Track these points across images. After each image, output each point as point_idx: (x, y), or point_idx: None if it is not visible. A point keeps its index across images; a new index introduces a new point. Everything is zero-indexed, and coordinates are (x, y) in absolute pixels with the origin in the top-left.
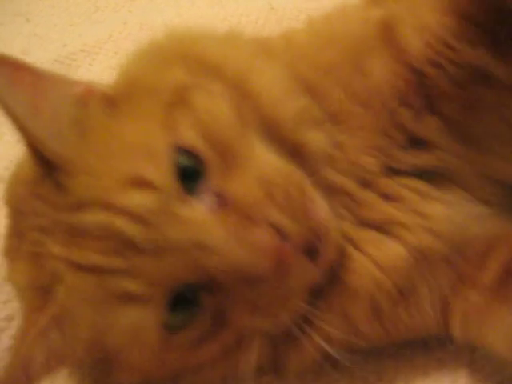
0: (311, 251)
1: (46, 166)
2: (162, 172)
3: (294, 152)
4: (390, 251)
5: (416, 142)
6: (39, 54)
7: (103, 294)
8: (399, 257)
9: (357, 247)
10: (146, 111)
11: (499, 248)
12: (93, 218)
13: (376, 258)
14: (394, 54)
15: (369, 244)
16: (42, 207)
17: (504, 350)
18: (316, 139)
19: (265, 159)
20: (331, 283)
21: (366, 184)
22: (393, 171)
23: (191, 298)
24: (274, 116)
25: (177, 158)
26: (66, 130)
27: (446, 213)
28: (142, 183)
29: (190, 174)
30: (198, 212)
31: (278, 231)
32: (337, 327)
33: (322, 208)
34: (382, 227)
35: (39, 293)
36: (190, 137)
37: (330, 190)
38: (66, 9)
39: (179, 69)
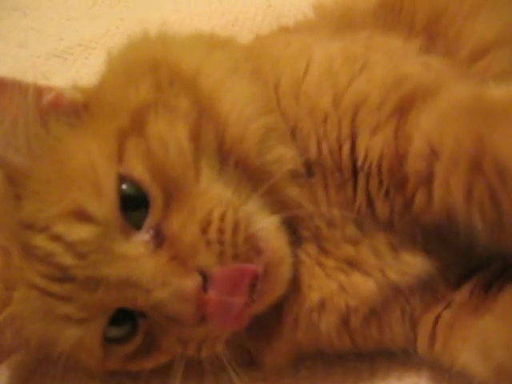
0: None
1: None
2: (105, 205)
3: (256, 175)
4: (360, 284)
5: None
6: (36, 47)
7: (47, 312)
8: (369, 290)
9: (323, 270)
10: (102, 132)
11: (475, 276)
12: (38, 242)
13: (345, 285)
14: (397, 144)
15: (337, 271)
16: (9, 210)
17: (477, 361)
18: (283, 155)
19: (212, 195)
20: (296, 298)
21: (331, 224)
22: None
23: (131, 319)
24: (240, 134)
25: (124, 187)
26: (23, 146)
27: (421, 262)
28: (83, 216)
29: (135, 204)
30: (134, 249)
31: (206, 277)
32: (304, 337)
33: (272, 245)
34: (346, 262)
35: (5, 287)
36: (138, 170)
37: (295, 214)
38: (63, 3)
39: (146, 83)
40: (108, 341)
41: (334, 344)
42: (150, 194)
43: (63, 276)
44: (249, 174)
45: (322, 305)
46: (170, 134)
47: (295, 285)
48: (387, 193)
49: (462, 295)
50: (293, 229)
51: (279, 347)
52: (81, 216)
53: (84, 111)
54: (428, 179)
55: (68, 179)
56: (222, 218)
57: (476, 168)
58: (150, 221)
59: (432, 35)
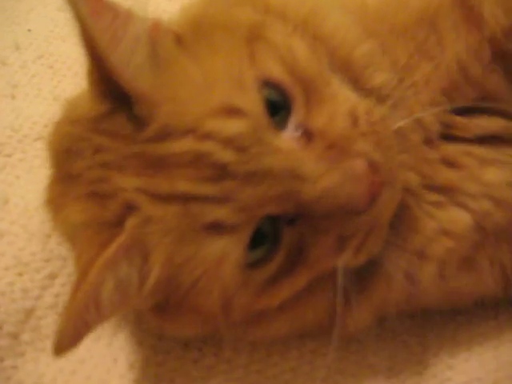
0: None
1: (116, 100)
2: (252, 101)
3: (363, 95)
4: (457, 218)
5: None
6: None
7: (187, 224)
8: (466, 224)
9: (422, 207)
10: (224, 46)
11: None
12: (182, 145)
13: (444, 223)
14: (471, 26)
15: (435, 207)
16: (107, 143)
17: None
18: (384, 80)
19: (345, 95)
20: (397, 241)
21: (428, 142)
22: (453, 138)
23: (271, 233)
24: (346, 57)
25: (264, 91)
26: (142, 64)
27: (506, 178)
28: (232, 111)
29: (275, 109)
30: (288, 143)
31: (368, 161)
32: (397, 294)
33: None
34: (445, 192)
35: (102, 229)
36: (277, 71)
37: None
38: None
39: (249, 8)
40: (245, 266)
41: (429, 294)
42: (290, 92)
43: (221, 174)
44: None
45: (422, 252)
46: (293, 43)
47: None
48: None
49: None
50: None
51: (367, 306)
52: (230, 111)
53: (187, 37)
54: None
55: (205, 82)
56: (369, 113)
57: None
58: (294, 120)
59: None
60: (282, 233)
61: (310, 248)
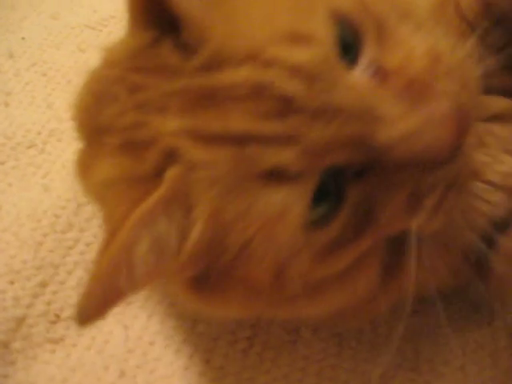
0: None
1: (161, 27)
2: (322, 29)
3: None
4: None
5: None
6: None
7: (242, 170)
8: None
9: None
10: None
11: None
12: (239, 74)
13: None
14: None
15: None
16: (145, 79)
17: None
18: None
19: (421, 36)
20: None
21: None
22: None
23: (335, 189)
24: (410, 8)
25: (334, 23)
26: None
27: None
28: (301, 38)
29: (344, 46)
30: (362, 79)
31: (454, 103)
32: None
33: None
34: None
35: (139, 182)
36: (348, 3)
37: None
38: None
39: None
40: (307, 225)
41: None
42: (361, 28)
43: (285, 110)
44: None
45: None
46: None
47: None
48: None
49: None
50: None
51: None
52: (298, 38)
53: None
54: None
55: (269, 7)
56: (454, 49)
57: None
58: (366, 56)
59: None
60: (346, 188)
61: (378, 207)
